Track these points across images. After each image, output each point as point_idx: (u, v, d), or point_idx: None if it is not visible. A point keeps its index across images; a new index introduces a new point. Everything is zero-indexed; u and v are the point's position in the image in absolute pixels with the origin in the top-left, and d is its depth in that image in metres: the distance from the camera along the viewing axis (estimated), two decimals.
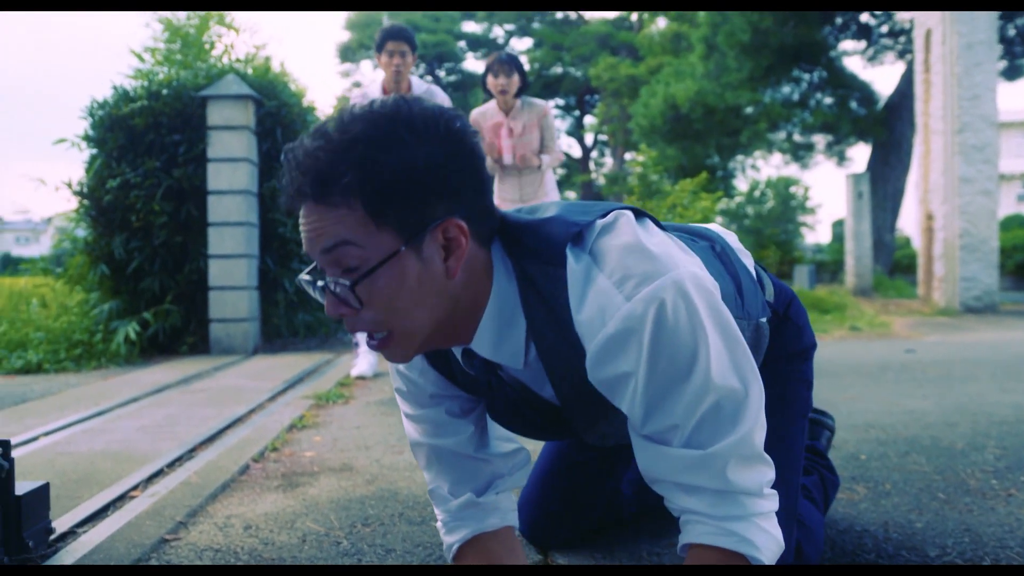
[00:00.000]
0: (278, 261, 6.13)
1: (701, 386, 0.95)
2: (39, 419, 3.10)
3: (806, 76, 16.13)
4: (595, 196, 27.04)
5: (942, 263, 8.79)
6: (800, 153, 18.35)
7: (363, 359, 4.13)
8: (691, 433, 0.97)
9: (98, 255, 5.66)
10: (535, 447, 1.96)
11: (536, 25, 29.11)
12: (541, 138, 4.13)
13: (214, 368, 4.70)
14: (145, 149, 5.64)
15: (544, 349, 1.04)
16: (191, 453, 2.47)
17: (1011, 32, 13.93)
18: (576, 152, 29.94)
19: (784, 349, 1.32)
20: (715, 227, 1.36)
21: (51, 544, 1.61)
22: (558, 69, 28.44)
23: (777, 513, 1.01)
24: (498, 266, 1.03)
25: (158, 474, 2.21)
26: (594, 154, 30.80)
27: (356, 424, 2.91)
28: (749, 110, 15.53)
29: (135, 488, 2.05)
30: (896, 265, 16.09)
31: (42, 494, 1.56)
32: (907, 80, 14.13)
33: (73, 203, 5.81)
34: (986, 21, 8.48)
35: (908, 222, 23.74)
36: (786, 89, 16.33)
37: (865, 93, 15.68)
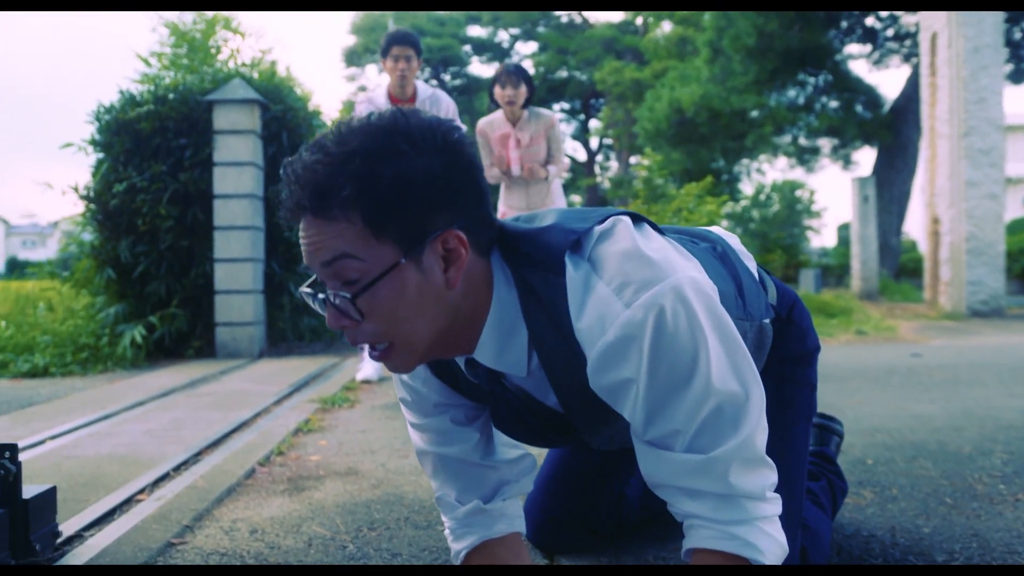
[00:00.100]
0: (284, 265, 6.15)
1: (702, 391, 0.95)
2: (46, 423, 3.11)
3: (811, 80, 16.13)
4: (600, 200, 27.03)
5: (948, 267, 8.76)
6: (806, 157, 18.33)
7: (368, 363, 4.13)
8: (693, 438, 0.97)
9: (104, 259, 5.69)
10: (540, 452, 1.96)
11: (541, 29, 29.16)
12: (548, 148, 4.14)
13: (220, 372, 4.72)
14: (151, 153, 5.66)
15: (546, 357, 1.04)
16: (197, 457, 2.48)
17: (1017, 35, 13.88)
18: (581, 156, 29.95)
19: (787, 352, 1.32)
20: (717, 229, 1.36)
21: (58, 547, 1.61)
22: (563, 73, 28.47)
23: (781, 517, 1.01)
24: (498, 275, 1.04)
25: (164, 478, 2.22)
26: (599, 158, 30.80)
27: (361, 428, 2.91)
28: (754, 114, 15.50)
29: (141, 492, 2.06)
30: (902, 269, 16.02)
31: (49, 497, 1.56)
32: (913, 84, 14.11)
33: (80, 207, 5.85)
34: (992, 24, 8.47)
35: (914, 226, 23.64)
36: (791, 93, 16.32)
37: (871, 97, 15.66)
